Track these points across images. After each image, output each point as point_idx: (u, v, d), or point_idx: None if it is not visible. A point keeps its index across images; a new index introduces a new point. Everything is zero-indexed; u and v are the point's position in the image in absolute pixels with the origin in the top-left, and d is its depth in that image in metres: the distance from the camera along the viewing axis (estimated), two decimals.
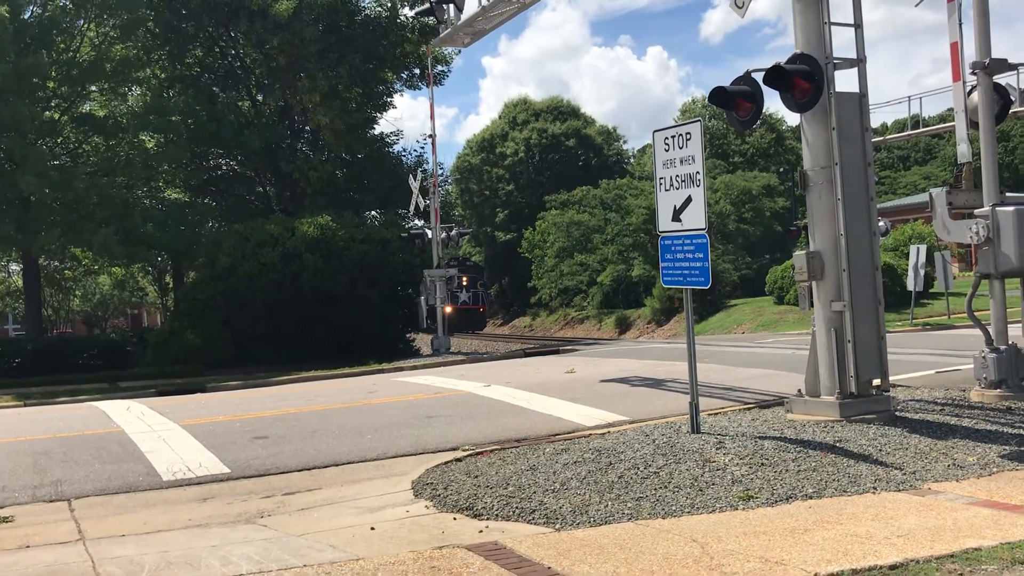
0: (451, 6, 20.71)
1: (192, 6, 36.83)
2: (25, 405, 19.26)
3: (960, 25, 11.43)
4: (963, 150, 11.67)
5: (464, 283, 54.99)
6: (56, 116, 31.62)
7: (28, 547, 7.33)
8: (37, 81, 30.15)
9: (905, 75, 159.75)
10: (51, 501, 9.05)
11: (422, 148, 63.92)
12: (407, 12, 39.80)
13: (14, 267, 42.45)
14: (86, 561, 6.74)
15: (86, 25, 32.09)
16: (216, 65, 41.30)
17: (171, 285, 46.27)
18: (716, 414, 11.33)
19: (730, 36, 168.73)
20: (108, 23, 32.40)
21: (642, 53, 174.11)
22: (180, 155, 34.42)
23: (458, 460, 9.60)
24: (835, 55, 10.33)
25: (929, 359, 16.71)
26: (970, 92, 11.67)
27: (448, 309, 51.91)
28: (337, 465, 10.12)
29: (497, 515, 7.44)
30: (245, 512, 8.28)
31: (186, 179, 39.56)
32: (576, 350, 25.61)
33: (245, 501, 8.73)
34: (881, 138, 33.90)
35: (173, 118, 33.74)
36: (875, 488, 7.55)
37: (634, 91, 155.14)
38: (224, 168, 42.78)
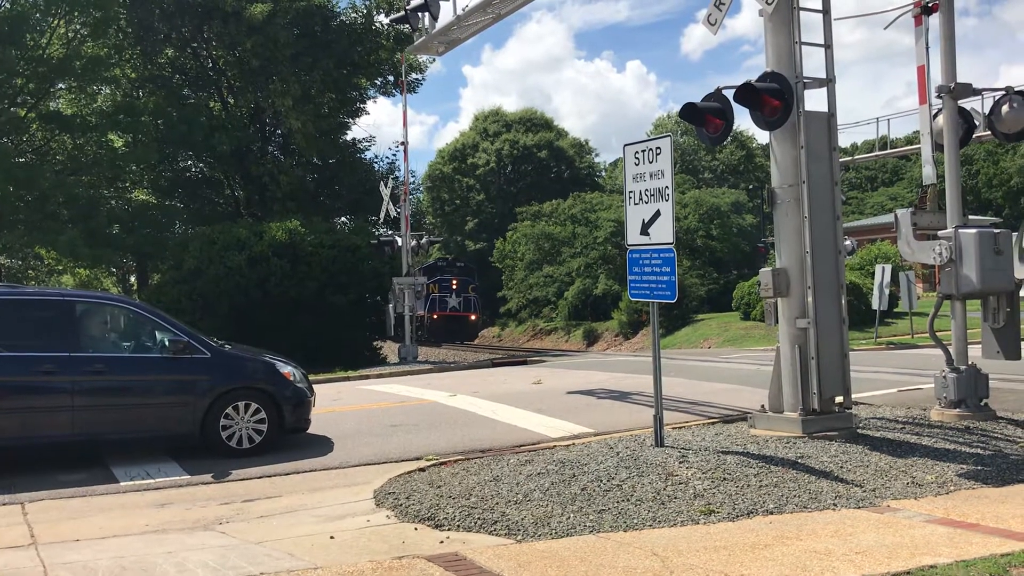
0: (426, 15, 20.67)
1: (165, 6, 36.60)
2: None
3: (927, 49, 11.61)
4: (928, 172, 11.85)
5: (454, 286, 51.38)
6: (23, 113, 31.22)
7: None
8: (4, 77, 29.76)
9: (880, 96, 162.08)
10: (4, 504, 8.88)
11: (394, 155, 63.46)
12: (382, 19, 39.91)
13: None
14: (38, 566, 6.61)
15: (56, 22, 31.73)
16: (188, 66, 41.04)
17: (136, 287, 45.76)
18: (680, 428, 11.36)
19: (710, 53, 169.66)
20: (79, 20, 32.08)
21: (622, 67, 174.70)
22: (148, 156, 34.14)
23: (421, 470, 9.55)
24: (805, 75, 10.41)
25: (891, 377, 16.89)
26: (936, 115, 11.85)
27: (435, 316, 50.34)
28: (298, 473, 10.02)
29: (459, 526, 7.40)
30: (203, 518, 8.17)
31: (154, 180, 39.29)
32: (543, 361, 25.59)
33: (204, 507, 8.61)
34: (850, 158, 34.27)
35: (143, 118, 33.49)
36: (835, 505, 7.61)
37: (614, 105, 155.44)
38: (193, 170, 42.51)
